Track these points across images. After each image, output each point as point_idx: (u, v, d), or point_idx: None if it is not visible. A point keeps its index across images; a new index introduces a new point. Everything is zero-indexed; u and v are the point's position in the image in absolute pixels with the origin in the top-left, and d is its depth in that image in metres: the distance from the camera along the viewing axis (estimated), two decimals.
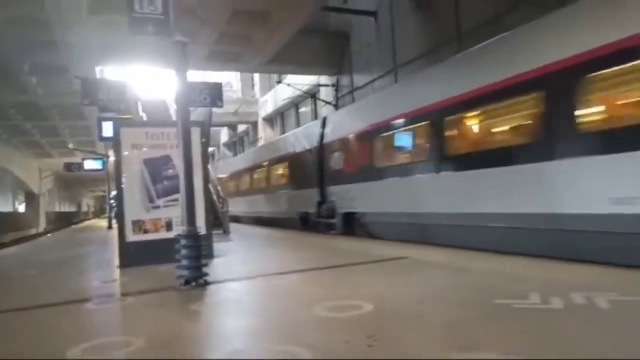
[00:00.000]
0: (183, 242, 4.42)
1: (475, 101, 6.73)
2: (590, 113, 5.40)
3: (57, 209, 51.97)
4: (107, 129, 10.61)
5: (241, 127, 29.86)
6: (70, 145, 30.39)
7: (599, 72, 5.07)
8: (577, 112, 5.33)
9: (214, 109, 11.22)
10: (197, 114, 12.58)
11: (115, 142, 6.42)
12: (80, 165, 23.01)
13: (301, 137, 13.18)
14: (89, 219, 51.46)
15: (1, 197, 36.52)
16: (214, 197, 11.10)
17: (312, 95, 20.09)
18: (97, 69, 15.73)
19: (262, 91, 26.73)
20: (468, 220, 6.78)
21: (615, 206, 4.83)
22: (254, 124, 27.56)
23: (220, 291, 4.27)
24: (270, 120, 26.25)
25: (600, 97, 5.27)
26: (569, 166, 5.37)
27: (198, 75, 19.86)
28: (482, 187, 6.59)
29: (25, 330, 3.32)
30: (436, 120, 7.46)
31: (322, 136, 11.53)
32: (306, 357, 2.30)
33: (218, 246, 7.15)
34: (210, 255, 6.18)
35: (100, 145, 23.12)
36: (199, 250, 4.44)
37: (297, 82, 20.22)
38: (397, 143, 8.70)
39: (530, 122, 6.00)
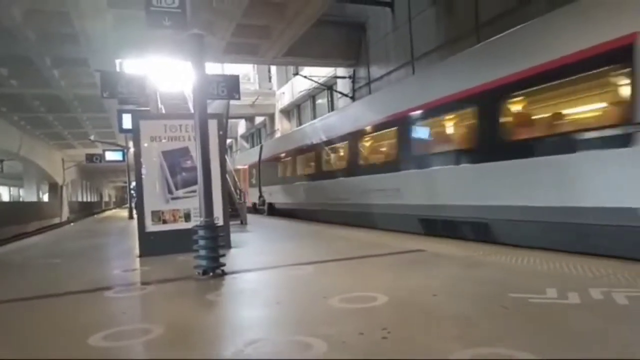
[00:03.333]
0: (201, 232, 4.49)
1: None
2: None
3: (79, 199, 53.04)
4: (127, 121, 10.79)
5: (259, 119, 29.98)
6: (92, 137, 30.97)
7: None
8: None
9: (232, 101, 11.31)
10: (214, 106, 12.69)
11: (134, 134, 6.53)
12: (101, 157, 23.43)
13: (251, 154, 21.25)
14: (110, 209, 52.45)
15: (26, 187, 37.42)
16: (232, 188, 11.21)
17: (328, 87, 20.03)
18: (117, 61, 15.94)
19: (279, 83, 26.75)
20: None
21: None
22: (271, 116, 27.64)
23: (236, 281, 4.34)
24: (287, 112, 26.29)
25: None
26: None
27: (216, 68, 19.96)
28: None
29: (49, 317, 3.43)
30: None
31: (259, 156, 18.94)
32: (321, 348, 2.33)
33: (235, 237, 7.24)
34: (228, 246, 6.27)
35: (120, 137, 23.51)
36: (216, 241, 4.51)
37: (314, 74, 20.17)
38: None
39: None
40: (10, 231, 22.85)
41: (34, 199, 37.11)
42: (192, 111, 5.03)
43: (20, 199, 37.60)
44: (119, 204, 66.04)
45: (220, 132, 6.87)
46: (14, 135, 27.30)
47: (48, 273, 5.72)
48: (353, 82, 18.01)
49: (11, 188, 44.33)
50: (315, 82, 20.13)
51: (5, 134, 25.93)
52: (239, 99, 9.29)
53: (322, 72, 20.07)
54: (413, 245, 5.93)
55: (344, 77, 18.64)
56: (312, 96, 23.03)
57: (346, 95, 18.19)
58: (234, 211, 10.51)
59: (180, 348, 2.52)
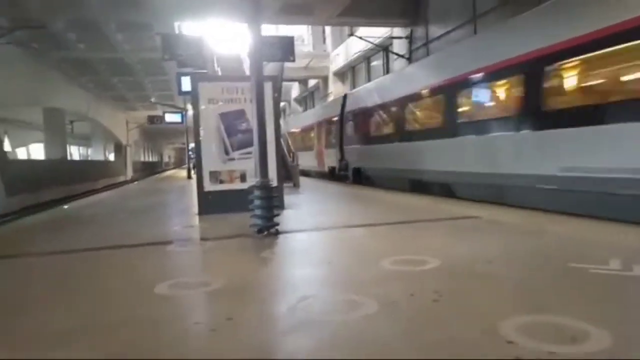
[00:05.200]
0: (256, 192, 4.62)
1: None
2: None
3: (142, 159, 55.66)
4: (186, 84, 11.06)
5: (312, 82, 29.81)
6: (152, 99, 32.12)
7: None
8: None
9: (286, 64, 11.29)
10: (269, 68, 12.73)
11: (193, 97, 6.72)
12: (161, 119, 24.35)
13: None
14: (170, 169, 54.95)
15: (94, 147, 39.72)
16: (285, 151, 11.37)
17: (384, 48, 19.49)
18: (176, 24, 16.27)
19: (333, 45, 26.33)
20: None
21: None
22: (325, 79, 27.40)
23: (289, 240, 4.46)
24: (341, 74, 25.94)
25: None
26: None
27: (271, 30, 19.88)
28: None
29: (118, 267, 3.71)
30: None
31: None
32: (371, 307, 2.37)
33: (288, 199, 7.39)
34: (281, 207, 6.42)
35: (179, 99, 24.25)
36: (271, 201, 4.63)
37: (370, 36, 19.65)
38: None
39: None
40: (81, 188, 24.53)
41: (101, 158, 39.39)
42: (248, 73, 5.09)
43: (89, 158, 39.97)
44: (178, 164, 68.82)
45: (275, 95, 6.93)
46: (83, 97, 28.83)
47: (115, 227, 6.14)
48: (410, 42, 17.41)
49: (80, 148, 47.10)
50: (371, 43, 19.63)
51: (75, 96, 27.43)
52: (293, 60, 9.27)
53: (377, 33, 19.52)
54: (468, 212, 5.82)
55: (400, 38, 18.04)
56: (367, 58, 22.55)
57: (402, 57, 17.65)
58: (288, 173, 10.68)
59: (237, 300, 2.66)
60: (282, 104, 32.43)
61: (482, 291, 2.67)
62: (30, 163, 24.34)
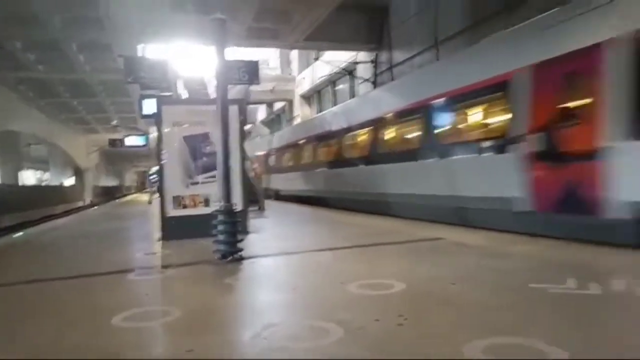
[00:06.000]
0: (220, 217, 4.54)
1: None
2: None
3: (102, 184, 54.06)
4: (149, 107, 10.86)
5: (278, 105, 29.95)
6: (114, 122, 31.41)
7: None
8: None
9: (251, 87, 11.31)
10: (235, 91, 12.71)
11: (157, 119, 6.59)
12: (123, 141, 23.78)
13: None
14: (131, 193, 53.43)
15: (52, 171, 38.32)
16: (251, 174, 11.28)
17: (349, 72, 19.86)
18: (139, 46, 16.09)
19: (299, 68, 26.63)
20: None
21: None
22: (291, 102, 27.59)
23: (254, 266, 4.39)
24: (307, 97, 26.19)
25: None
26: None
27: (237, 53, 19.95)
28: None
29: (73, 298, 3.54)
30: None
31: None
32: (337, 333, 2.34)
33: (254, 222, 7.30)
34: (246, 231, 6.32)
35: (142, 122, 23.81)
36: (235, 226, 4.56)
37: (335, 60, 20.01)
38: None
39: None
40: (37, 214, 23.50)
41: (58, 182, 37.99)
42: (213, 96, 5.06)
43: (46, 183, 38.53)
44: (140, 188, 67.16)
45: (241, 118, 6.90)
46: (40, 119, 27.90)
47: (73, 254, 5.88)
48: (375, 67, 17.81)
49: (37, 172, 45.39)
50: (337, 67, 19.97)
51: (32, 118, 26.52)
52: (258, 84, 9.28)
53: (343, 57, 19.90)
54: (431, 234, 5.90)
55: (366, 62, 18.44)
56: (332, 81, 22.88)
57: (367, 80, 18.01)
58: (253, 197, 10.57)
59: (198, 331, 2.58)
60: (248, 126, 32.33)
61: (446, 314, 2.69)
62: None
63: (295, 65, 27.46)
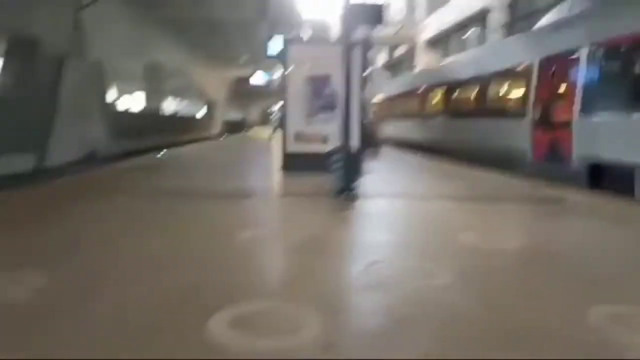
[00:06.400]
0: (338, 155, 4.70)
1: None
2: None
3: (228, 117, 57.90)
4: (276, 46, 11.26)
5: (400, 51, 29.00)
6: (244, 59, 33.05)
7: None
8: None
9: (374, 31, 11.07)
10: (358, 34, 12.53)
11: (283, 58, 6.85)
12: (250, 79, 25.03)
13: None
14: (253, 129, 56.85)
15: (187, 103, 41.97)
16: (368, 118, 11.30)
17: (481, 18, 18.38)
18: None
19: (426, 12, 25.26)
20: None
21: None
22: (414, 48, 26.51)
23: (367, 205, 4.52)
24: (431, 44, 24.94)
25: None
26: None
27: None
28: None
29: (204, 213, 4.00)
30: None
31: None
32: (444, 278, 2.37)
33: (368, 165, 7.40)
34: (361, 172, 6.45)
35: (269, 61, 24.73)
36: (351, 165, 4.69)
37: (466, 4, 18.59)
38: None
39: None
40: (172, 140, 26.19)
41: (191, 113, 41.56)
42: (337, 39, 5.09)
43: (181, 113, 42.34)
44: (262, 124, 70.71)
45: (363, 60, 6.88)
46: (180, 54, 30.34)
47: (203, 177, 6.57)
48: (512, 13, 16.25)
49: (174, 102, 49.86)
50: (467, 12, 18.57)
51: (173, 52, 28.95)
52: (383, 27, 9.06)
53: (475, 1, 18.41)
54: (554, 194, 5.50)
55: (501, 7, 16.87)
56: (461, 28, 21.43)
57: (501, 28, 16.56)
58: (369, 140, 10.63)
59: (313, 254, 2.78)
60: (368, 70, 31.91)
61: (566, 277, 2.54)
62: (129, 114, 26.27)
63: (421, 9, 26.08)
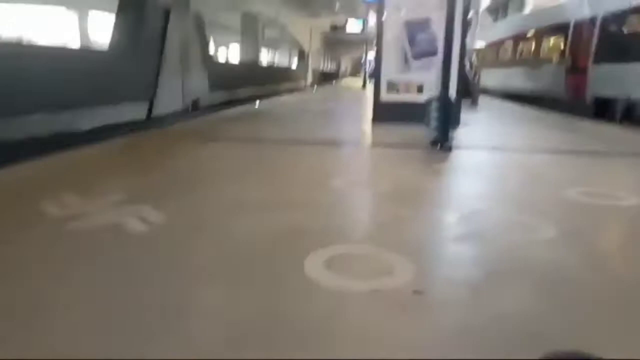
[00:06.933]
0: (435, 105, 4.52)
1: None
2: None
3: (321, 67, 57.89)
4: None
5: None
6: (337, 6, 32.40)
7: None
8: None
9: None
10: None
11: (379, 2, 6.58)
12: (343, 27, 24.57)
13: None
14: (346, 78, 56.45)
15: (280, 53, 42.50)
16: (468, 67, 10.65)
17: None
18: None
19: None
20: None
21: None
22: None
23: (464, 156, 4.34)
24: None
25: None
26: None
27: None
28: None
29: (299, 159, 4.12)
30: None
31: None
32: (548, 233, 2.23)
33: (466, 116, 7.05)
34: (458, 123, 6.18)
35: (361, 9, 24.02)
36: (448, 115, 4.49)
37: None
38: None
39: None
40: (268, 89, 26.89)
41: (285, 63, 42.08)
42: None
43: (275, 63, 43.08)
44: (354, 74, 69.94)
45: (465, 3, 6.39)
46: (274, 3, 30.45)
47: (297, 125, 6.70)
48: None
49: (269, 52, 50.71)
50: None
51: (268, 2, 29.11)
52: None
53: None
54: None
55: None
56: None
57: None
58: (468, 90, 10.08)
59: (407, 203, 2.75)
60: (470, 12, 29.74)
61: None
62: (228, 65, 27.24)
63: None
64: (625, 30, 9.57)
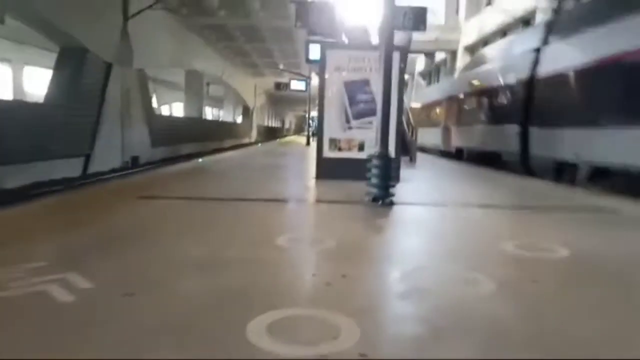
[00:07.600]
0: (374, 162, 4.64)
1: None
2: None
3: (265, 124, 58.73)
4: (314, 52, 11.30)
5: (439, 57, 28.61)
6: (281, 66, 33.48)
7: None
8: None
9: (414, 36, 10.95)
10: (397, 38, 12.43)
11: (320, 64, 6.86)
12: (287, 85, 25.33)
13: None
14: (290, 135, 57.50)
15: (225, 109, 42.85)
16: (404, 125, 11.17)
17: (525, 21, 17.89)
18: None
19: (467, 17, 24.84)
20: None
21: None
22: (454, 53, 26.09)
23: (405, 212, 4.44)
24: (471, 49, 24.46)
25: None
26: None
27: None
28: None
29: (241, 216, 4.03)
30: None
31: None
32: (488, 286, 2.28)
33: (404, 172, 7.30)
34: (397, 179, 6.37)
35: (305, 68, 24.96)
36: (388, 172, 4.62)
37: (510, 8, 18.13)
38: None
39: None
40: (211, 145, 26.76)
41: (230, 119, 42.38)
42: (375, 43, 5.05)
43: (220, 119, 43.27)
44: (298, 131, 71.43)
45: (402, 65, 6.80)
46: (218, 61, 31.02)
47: (240, 182, 6.64)
48: (556, 14, 15.71)
49: (213, 109, 50.97)
50: (511, 16, 18.12)
51: (212, 60, 29.62)
52: (424, 30, 8.93)
53: (519, 5, 17.94)
54: (597, 202, 5.24)
55: (547, 10, 16.35)
56: (503, 32, 20.93)
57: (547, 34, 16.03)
58: (405, 148, 10.51)
59: (350, 261, 2.74)
60: (406, 76, 31.65)
61: (617, 288, 2.40)
62: (171, 120, 26.99)
63: (461, 14, 25.67)
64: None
